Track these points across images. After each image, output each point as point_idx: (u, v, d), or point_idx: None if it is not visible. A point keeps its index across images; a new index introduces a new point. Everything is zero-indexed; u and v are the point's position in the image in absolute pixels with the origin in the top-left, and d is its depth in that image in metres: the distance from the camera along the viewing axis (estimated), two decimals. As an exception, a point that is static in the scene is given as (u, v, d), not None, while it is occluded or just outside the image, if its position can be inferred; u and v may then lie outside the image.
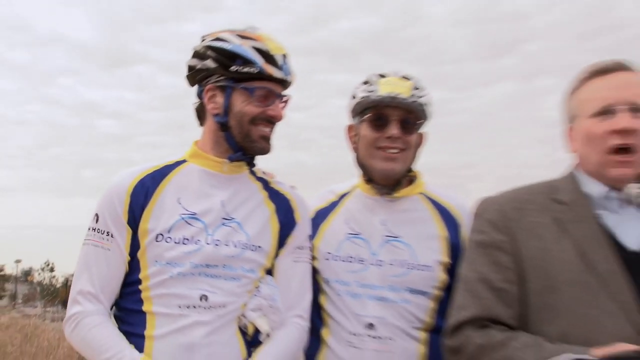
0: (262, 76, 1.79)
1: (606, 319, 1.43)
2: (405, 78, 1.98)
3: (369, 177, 2.02)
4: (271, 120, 1.84)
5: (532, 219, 1.59)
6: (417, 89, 1.95)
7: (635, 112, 1.48)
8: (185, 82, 1.94)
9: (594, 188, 1.57)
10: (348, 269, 1.97)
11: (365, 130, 1.97)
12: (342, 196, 2.13)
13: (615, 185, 1.54)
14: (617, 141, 1.48)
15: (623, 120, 1.47)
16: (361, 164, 2.03)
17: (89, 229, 1.83)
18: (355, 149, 2.05)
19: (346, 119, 2.11)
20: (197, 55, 1.87)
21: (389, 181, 1.98)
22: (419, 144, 2.03)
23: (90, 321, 1.76)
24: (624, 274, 1.45)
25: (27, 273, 61.40)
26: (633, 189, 1.49)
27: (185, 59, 1.89)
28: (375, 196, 2.02)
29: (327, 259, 2.00)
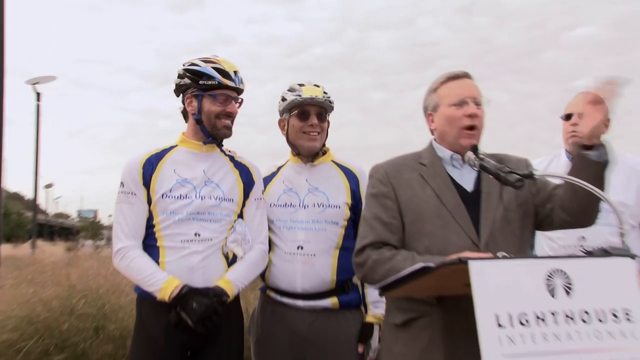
0: (221, 86, 2.35)
1: (454, 236, 1.93)
2: (317, 85, 2.60)
3: (297, 152, 2.66)
4: (230, 115, 2.40)
5: (406, 176, 2.07)
6: (325, 92, 2.58)
7: (478, 105, 2.03)
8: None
9: (444, 153, 2.08)
10: (285, 212, 2.60)
11: (294, 121, 2.59)
12: (280, 167, 2.75)
13: (460, 150, 2.05)
14: (468, 122, 2.00)
15: (471, 108, 2.01)
16: (292, 144, 2.66)
17: (119, 192, 2.36)
18: (286, 135, 2.67)
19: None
20: (179, 76, 2.42)
21: (311, 154, 2.63)
22: (327, 127, 2.65)
23: (133, 253, 2.29)
24: (465, 207, 1.98)
25: (116, 223, 73.70)
26: (470, 154, 1.97)
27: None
28: (302, 164, 2.67)
29: (271, 207, 2.63)
